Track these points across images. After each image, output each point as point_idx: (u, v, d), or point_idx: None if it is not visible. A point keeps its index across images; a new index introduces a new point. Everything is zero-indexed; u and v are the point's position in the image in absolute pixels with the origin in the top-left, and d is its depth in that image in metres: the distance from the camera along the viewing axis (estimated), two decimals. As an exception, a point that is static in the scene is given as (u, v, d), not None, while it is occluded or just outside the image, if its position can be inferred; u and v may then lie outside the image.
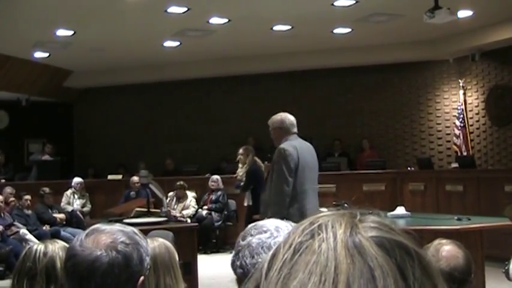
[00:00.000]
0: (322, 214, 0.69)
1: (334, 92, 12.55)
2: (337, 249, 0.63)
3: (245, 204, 8.21)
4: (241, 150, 8.45)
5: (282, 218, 5.53)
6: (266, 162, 5.96)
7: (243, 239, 1.89)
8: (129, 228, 1.77)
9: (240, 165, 8.50)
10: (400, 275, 0.62)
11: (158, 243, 2.72)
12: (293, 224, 1.92)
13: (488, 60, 10.83)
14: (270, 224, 1.93)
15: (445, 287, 0.67)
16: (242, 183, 8.19)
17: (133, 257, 1.68)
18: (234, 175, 8.84)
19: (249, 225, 1.95)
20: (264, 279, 0.66)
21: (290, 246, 0.66)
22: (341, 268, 0.62)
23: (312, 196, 5.17)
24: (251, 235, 1.88)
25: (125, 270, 1.65)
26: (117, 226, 1.77)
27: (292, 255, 0.65)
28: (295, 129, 5.21)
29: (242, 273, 1.81)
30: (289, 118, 5.22)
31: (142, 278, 1.71)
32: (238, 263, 1.85)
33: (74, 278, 1.65)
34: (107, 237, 1.68)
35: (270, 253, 0.68)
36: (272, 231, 1.88)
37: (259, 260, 1.78)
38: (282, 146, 5.08)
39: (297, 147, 5.10)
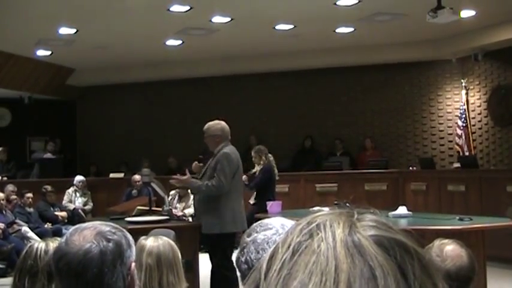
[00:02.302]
0: (319, 213, 0.69)
1: (336, 91, 12.54)
2: (336, 248, 0.63)
3: (251, 202, 8.63)
4: (252, 153, 8.96)
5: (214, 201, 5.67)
6: (196, 162, 6.18)
7: (248, 236, 1.90)
8: (108, 222, 1.79)
9: (256, 166, 8.94)
10: (401, 274, 0.62)
11: (162, 242, 2.74)
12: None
13: (491, 60, 10.81)
14: (276, 221, 1.94)
15: (444, 286, 0.66)
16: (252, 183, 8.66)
17: (123, 243, 1.69)
18: (251, 172, 8.97)
19: (254, 223, 1.96)
20: (263, 280, 0.65)
21: (289, 247, 0.66)
22: (341, 268, 0.61)
23: (240, 197, 5.96)
24: (256, 232, 1.89)
25: (119, 256, 1.66)
26: (97, 222, 1.78)
27: (291, 256, 0.64)
28: (229, 137, 5.98)
29: (247, 269, 1.82)
30: (227, 127, 6.00)
31: (133, 264, 1.71)
32: (243, 259, 1.86)
33: (69, 276, 1.63)
34: (91, 230, 1.68)
35: (268, 253, 0.68)
36: (277, 228, 1.89)
37: (264, 255, 1.78)
38: (227, 151, 5.80)
39: (236, 154, 5.89)
